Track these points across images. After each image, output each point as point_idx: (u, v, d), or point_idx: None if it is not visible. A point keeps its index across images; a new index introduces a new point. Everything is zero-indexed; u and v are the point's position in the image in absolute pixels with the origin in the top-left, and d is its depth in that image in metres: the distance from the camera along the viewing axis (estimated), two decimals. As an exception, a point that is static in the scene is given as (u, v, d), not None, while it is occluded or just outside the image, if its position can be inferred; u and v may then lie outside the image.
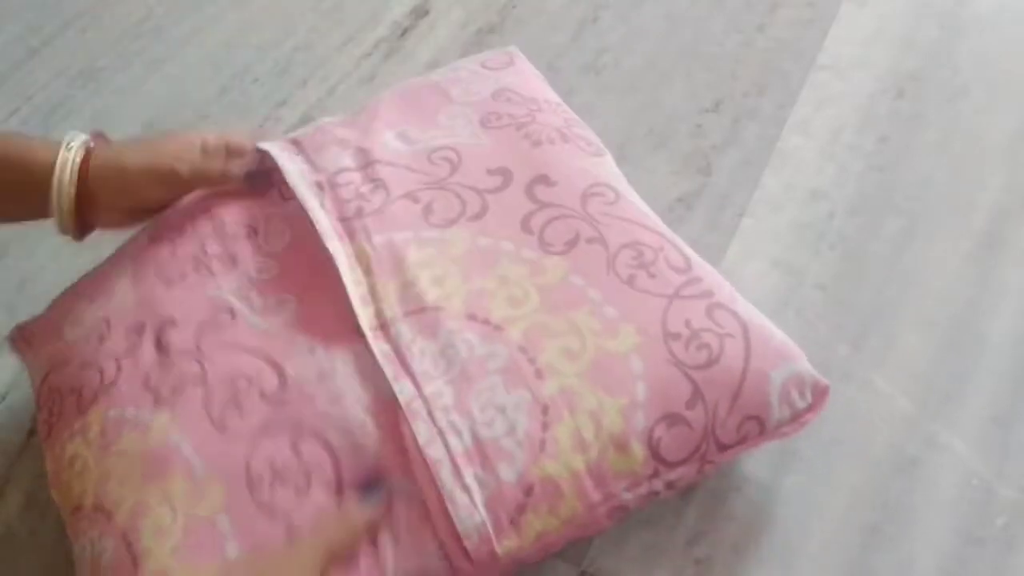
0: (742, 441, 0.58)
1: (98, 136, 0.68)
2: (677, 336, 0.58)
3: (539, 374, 0.57)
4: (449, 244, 0.63)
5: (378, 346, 0.59)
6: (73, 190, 0.64)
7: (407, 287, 0.61)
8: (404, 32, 0.96)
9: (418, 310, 0.60)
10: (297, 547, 0.54)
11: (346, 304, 0.61)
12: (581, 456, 0.55)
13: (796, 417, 0.59)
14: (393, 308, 0.61)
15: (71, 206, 0.65)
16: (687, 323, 0.59)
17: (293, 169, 0.68)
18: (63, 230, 0.66)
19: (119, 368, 0.63)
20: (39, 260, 0.81)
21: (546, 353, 0.58)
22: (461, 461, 0.55)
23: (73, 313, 0.67)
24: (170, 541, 0.55)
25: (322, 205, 0.66)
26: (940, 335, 0.68)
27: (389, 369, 0.58)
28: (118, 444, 0.59)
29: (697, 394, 0.57)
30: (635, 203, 0.67)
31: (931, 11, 0.88)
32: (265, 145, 0.70)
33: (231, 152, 0.69)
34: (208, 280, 0.66)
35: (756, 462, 0.64)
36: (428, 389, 0.57)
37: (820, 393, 0.60)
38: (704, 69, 0.87)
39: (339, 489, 0.55)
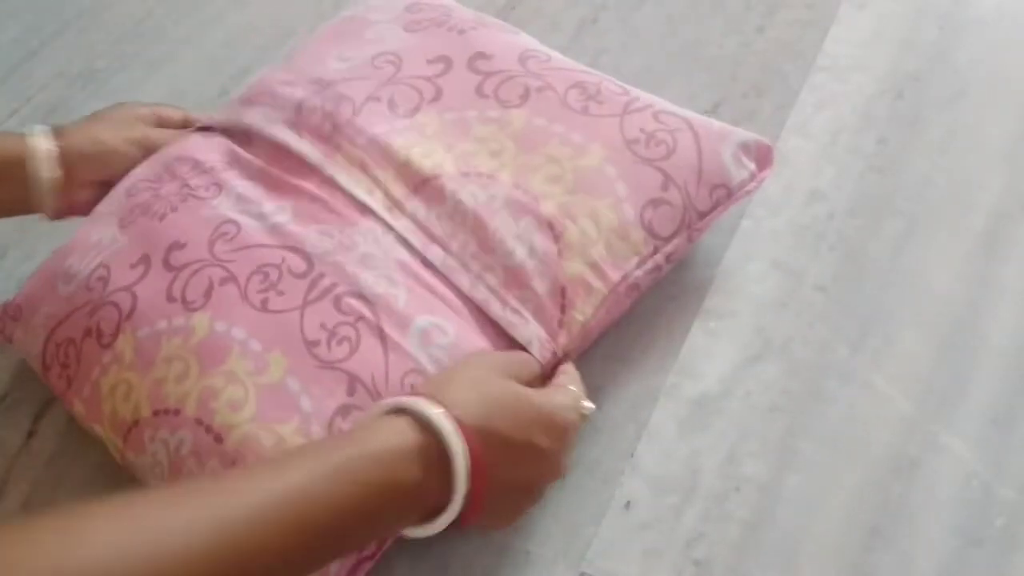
0: (716, 206, 0.69)
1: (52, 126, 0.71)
2: (636, 141, 0.68)
3: (535, 199, 0.65)
4: (422, 126, 0.69)
5: (399, 223, 0.65)
6: (55, 171, 0.68)
7: (403, 168, 0.67)
8: (404, 33, 0.96)
9: (421, 183, 0.67)
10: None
11: (348, 198, 0.67)
12: (592, 250, 0.65)
13: (753, 176, 0.71)
14: (399, 189, 0.67)
15: (53, 185, 0.69)
16: (641, 129, 0.69)
17: (262, 118, 0.72)
18: (45, 209, 0.70)
19: (134, 296, 0.64)
20: (39, 260, 0.80)
21: (535, 183, 0.66)
22: (503, 292, 0.63)
23: (62, 272, 0.68)
24: (247, 411, 0.59)
25: (300, 136, 0.70)
26: (940, 335, 0.69)
27: (416, 240, 0.65)
28: (161, 354, 0.62)
29: (667, 179, 0.67)
30: (565, 59, 0.75)
31: (930, 12, 0.88)
32: (220, 117, 0.75)
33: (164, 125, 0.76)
34: (201, 205, 0.68)
35: (756, 462, 0.64)
36: (455, 246, 0.65)
37: (765, 151, 0.71)
38: (703, 70, 0.87)
39: (383, 335, 0.61)
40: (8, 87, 0.96)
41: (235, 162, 0.71)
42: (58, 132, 0.70)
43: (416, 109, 0.70)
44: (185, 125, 0.76)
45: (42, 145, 0.68)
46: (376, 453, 0.49)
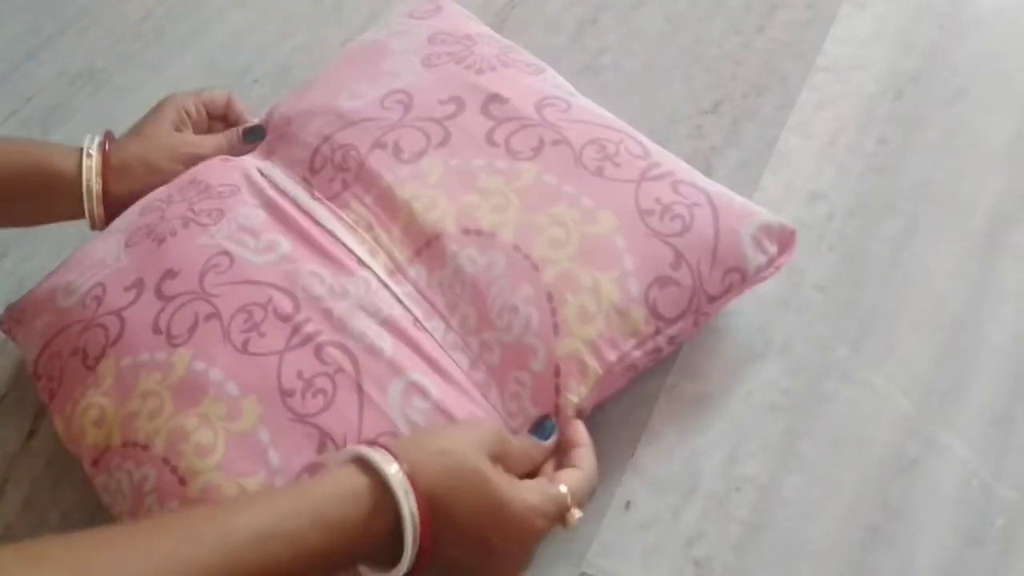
0: (728, 291, 0.65)
1: (108, 136, 0.72)
2: (651, 212, 0.64)
3: (536, 266, 0.62)
4: (426, 174, 0.68)
5: (400, 289, 0.64)
6: (100, 191, 0.70)
7: (407, 225, 0.66)
8: (404, 33, 0.96)
9: (424, 245, 0.65)
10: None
11: (344, 246, 0.66)
12: (591, 327, 0.61)
13: (771, 262, 0.66)
14: (403, 252, 0.66)
15: (100, 206, 0.70)
16: (657, 200, 0.65)
17: (283, 166, 0.73)
18: (94, 226, 0.72)
19: (122, 321, 0.64)
20: (39, 260, 0.81)
21: (538, 246, 0.63)
22: (499, 375, 0.61)
23: (65, 284, 0.68)
24: (214, 458, 0.58)
25: (312, 196, 0.70)
26: (940, 335, 0.69)
27: (418, 309, 0.64)
28: (139, 387, 0.61)
29: (679, 257, 0.63)
30: (587, 107, 0.72)
31: (930, 12, 0.88)
32: (253, 163, 0.74)
33: (211, 115, 0.77)
34: (199, 232, 0.68)
35: (756, 462, 0.64)
36: (455, 321, 0.63)
37: (788, 236, 0.67)
38: (703, 70, 0.87)
39: (360, 390, 0.60)
40: (8, 87, 0.96)
41: (238, 190, 0.70)
42: (111, 148, 0.71)
43: (421, 154, 0.68)
44: (227, 110, 0.78)
45: (92, 166, 0.70)
46: (329, 502, 0.50)
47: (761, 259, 0.65)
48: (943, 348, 0.68)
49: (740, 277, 0.65)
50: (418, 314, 0.63)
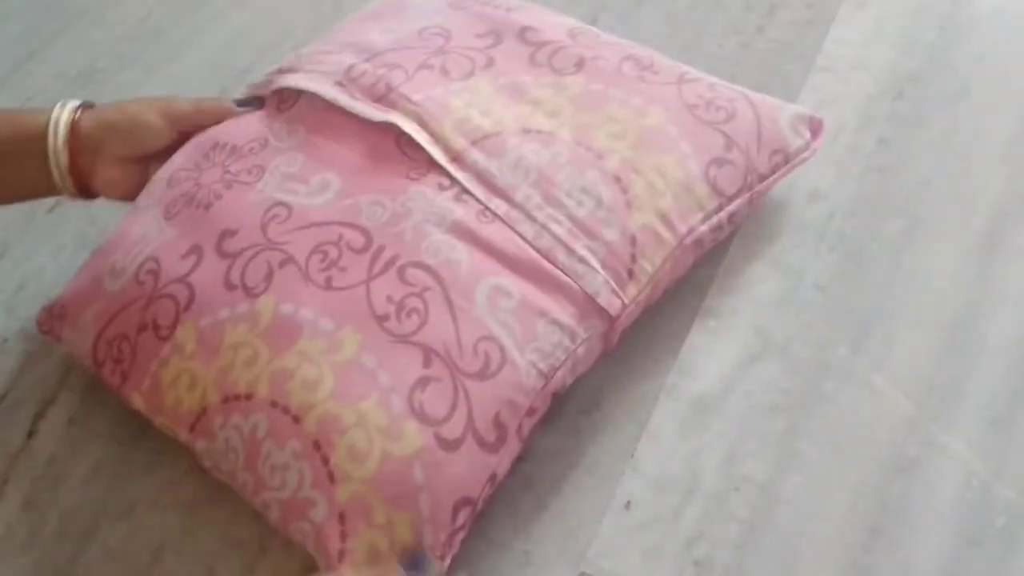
0: (775, 170, 0.71)
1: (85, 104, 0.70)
2: (696, 106, 0.71)
3: (599, 156, 0.67)
4: (477, 90, 0.71)
5: (460, 175, 0.66)
6: (66, 142, 0.67)
7: (462, 123, 0.68)
8: (404, 33, 0.96)
9: (482, 138, 0.68)
10: None
11: (395, 158, 0.68)
12: (661, 201, 0.66)
13: (807, 144, 0.73)
14: (459, 142, 0.68)
15: (67, 159, 0.67)
16: (699, 96, 0.71)
17: (307, 79, 0.73)
18: (63, 188, 0.69)
19: (190, 286, 0.64)
20: (39, 260, 0.80)
21: (598, 140, 0.68)
22: (569, 240, 0.64)
23: (108, 268, 0.68)
24: (324, 389, 0.59)
25: (353, 96, 0.71)
26: (940, 335, 0.69)
27: (479, 191, 0.66)
28: (226, 342, 0.62)
29: (729, 140, 0.69)
30: (614, 37, 0.77)
31: (930, 12, 0.88)
32: (261, 79, 0.75)
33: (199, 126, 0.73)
34: (245, 190, 0.68)
35: (756, 462, 0.64)
36: (518, 197, 0.65)
37: (817, 124, 0.75)
38: (703, 70, 0.87)
39: (450, 303, 0.61)
40: (8, 87, 0.96)
41: (267, 143, 0.71)
42: (87, 106, 0.69)
43: (470, 75, 0.71)
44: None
45: (63, 118, 0.68)
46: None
47: (799, 142, 0.73)
48: (943, 348, 0.68)
49: (784, 158, 0.72)
50: (480, 196, 0.65)
